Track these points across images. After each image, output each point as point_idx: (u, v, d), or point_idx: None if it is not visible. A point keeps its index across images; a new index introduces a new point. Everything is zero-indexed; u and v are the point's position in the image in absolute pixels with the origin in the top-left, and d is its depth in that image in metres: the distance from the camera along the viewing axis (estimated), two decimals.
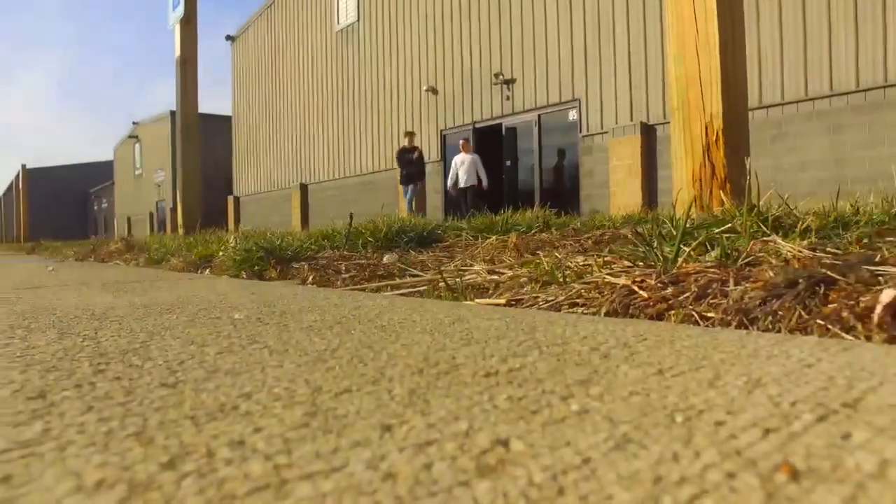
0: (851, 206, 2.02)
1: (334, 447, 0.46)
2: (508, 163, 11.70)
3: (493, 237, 2.44)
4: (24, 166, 20.00)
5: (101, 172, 42.36)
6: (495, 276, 1.66)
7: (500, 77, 11.55)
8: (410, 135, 12.49)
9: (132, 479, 0.41)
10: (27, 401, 0.62)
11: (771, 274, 1.20)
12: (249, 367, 0.74)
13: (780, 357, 0.73)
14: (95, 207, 43.70)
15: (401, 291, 1.71)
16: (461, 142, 12.06)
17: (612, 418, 0.51)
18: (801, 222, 1.59)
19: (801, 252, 1.33)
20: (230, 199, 21.88)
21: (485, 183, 11.52)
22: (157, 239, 4.90)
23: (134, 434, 0.50)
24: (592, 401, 0.56)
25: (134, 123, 33.23)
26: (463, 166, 11.71)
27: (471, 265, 1.88)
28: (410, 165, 12.19)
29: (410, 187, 12.20)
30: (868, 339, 0.89)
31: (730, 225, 1.63)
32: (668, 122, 3.01)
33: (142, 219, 31.03)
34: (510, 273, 1.65)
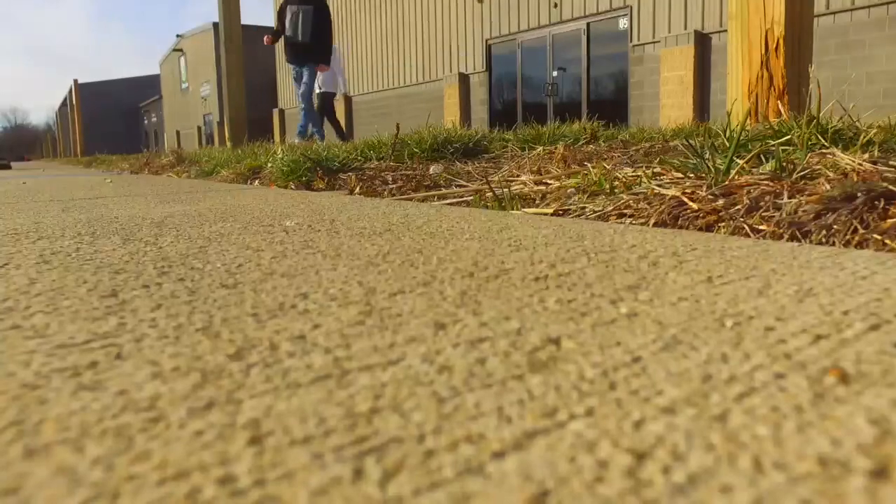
0: None
1: (390, 342, 0.48)
2: (555, 73, 11.34)
3: (540, 148, 2.41)
4: (76, 81, 20.31)
5: (150, 86, 42.76)
6: (542, 187, 1.65)
7: None
8: None
9: (204, 368, 0.44)
10: (101, 298, 0.66)
11: (828, 187, 1.16)
12: (304, 270, 0.77)
13: (833, 269, 0.72)
14: (146, 121, 44.42)
15: (447, 201, 1.72)
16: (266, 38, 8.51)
17: (661, 321, 0.52)
18: (863, 135, 1.52)
19: (861, 165, 1.28)
20: (275, 112, 21.90)
21: (342, 88, 8.85)
22: (206, 152, 4.98)
23: (201, 328, 0.54)
24: (641, 305, 0.57)
25: (178, 36, 33.07)
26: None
27: (517, 176, 1.87)
28: (295, 32, 7.53)
29: (305, 72, 7.64)
30: None
31: (787, 137, 1.57)
32: (725, 31, 2.87)
33: (190, 132, 31.43)
34: (557, 184, 1.64)
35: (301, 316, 0.56)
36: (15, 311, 0.61)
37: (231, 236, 1.09)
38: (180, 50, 32.59)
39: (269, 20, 22.48)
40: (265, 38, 8.01)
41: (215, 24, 22.31)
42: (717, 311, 0.55)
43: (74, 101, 20.19)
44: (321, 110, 8.92)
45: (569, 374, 0.41)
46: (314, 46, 7.79)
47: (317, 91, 8.65)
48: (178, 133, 33.52)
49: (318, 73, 8.10)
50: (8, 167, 7.64)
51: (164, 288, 0.70)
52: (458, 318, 0.54)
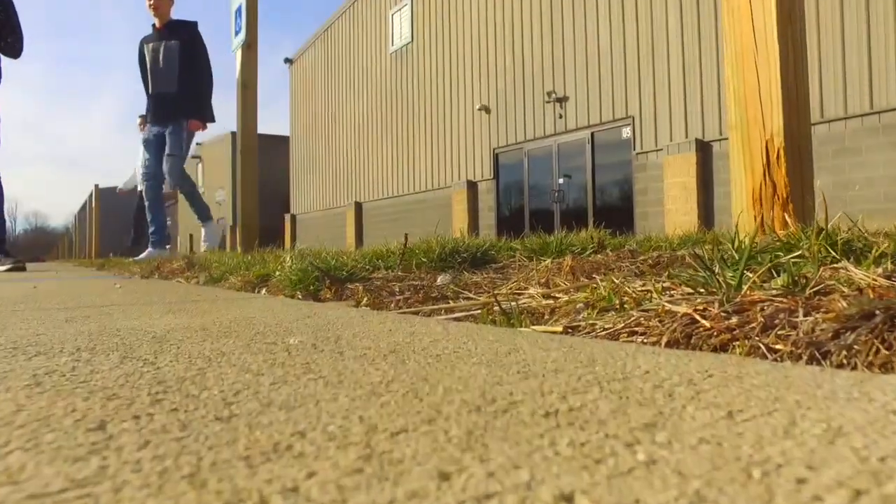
0: None
1: (390, 498, 0.44)
2: (561, 180, 11.60)
3: (548, 259, 2.40)
4: (96, 186, 20.95)
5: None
6: (550, 301, 1.63)
7: (553, 95, 11.51)
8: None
9: None
10: (87, 432, 0.62)
11: (843, 304, 1.13)
12: (304, 400, 0.73)
13: (862, 400, 0.68)
14: None
15: (455, 315, 1.70)
16: (139, 119, 6.69)
17: (682, 471, 0.48)
18: (874, 247, 1.51)
19: (876, 280, 1.25)
20: (287, 217, 22.33)
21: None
22: (217, 257, 5.02)
23: (188, 475, 0.50)
24: (659, 449, 0.53)
25: (196, 144, 34.40)
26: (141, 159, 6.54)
27: (525, 288, 1.86)
28: (154, 77, 5.77)
29: (169, 136, 5.69)
30: None
31: (798, 252, 1.56)
32: (725, 139, 2.93)
33: None
34: (566, 298, 1.62)
35: (296, 461, 0.52)
36: None
37: (232, 356, 1.06)
38: (198, 157, 33.79)
39: (286, 129, 23.32)
40: (139, 121, 6.01)
41: (233, 133, 23.20)
42: (743, 457, 0.51)
43: (94, 205, 20.73)
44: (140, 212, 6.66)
45: None
46: (183, 95, 5.74)
47: (139, 186, 6.36)
48: (191, 236, 34.14)
49: (190, 133, 5.94)
50: (23, 269, 7.71)
51: (155, 420, 0.67)
52: (463, 465, 0.50)
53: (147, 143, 5.80)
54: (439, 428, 0.60)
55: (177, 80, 5.75)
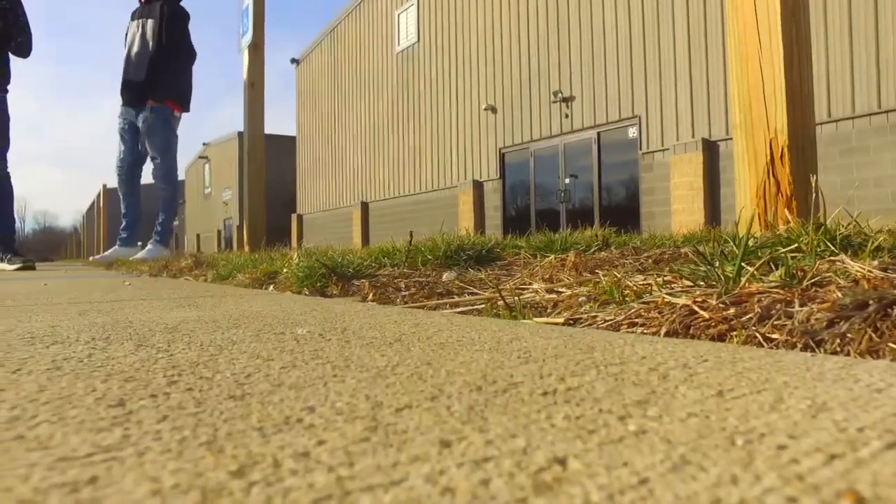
0: None
1: (394, 461, 0.47)
2: (568, 180, 11.60)
3: (552, 256, 2.43)
4: (104, 186, 21.04)
5: None
6: (553, 295, 1.66)
7: (559, 95, 11.51)
8: None
9: (204, 486, 0.44)
10: (108, 408, 0.66)
11: (839, 294, 1.16)
12: (312, 381, 0.77)
13: (848, 381, 0.71)
14: None
15: (459, 309, 1.73)
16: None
17: (670, 440, 0.51)
18: (871, 241, 1.53)
19: (871, 272, 1.28)
20: (293, 217, 22.37)
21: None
22: (224, 256, 5.07)
23: (205, 443, 0.53)
24: (650, 421, 0.56)
25: (204, 144, 34.46)
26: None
27: (529, 284, 1.88)
28: (128, 61, 5.27)
29: (142, 120, 5.23)
30: None
31: (795, 245, 1.58)
32: (731, 139, 2.94)
33: (210, 236, 32.09)
34: (569, 292, 1.64)
35: (306, 431, 0.56)
36: (21, 421, 0.61)
37: (242, 344, 1.09)
38: (205, 157, 33.93)
39: (293, 129, 23.40)
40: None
41: (240, 133, 23.27)
42: (728, 428, 0.54)
43: (102, 205, 20.84)
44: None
45: (574, 498, 0.40)
46: (151, 80, 5.23)
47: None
48: (198, 236, 34.27)
49: (165, 120, 5.26)
50: (32, 268, 7.78)
51: (171, 398, 0.70)
52: (463, 435, 0.53)
53: (121, 134, 5.46)
54: (441, 404, 0.64)
55: (147, 64, 5.38)
